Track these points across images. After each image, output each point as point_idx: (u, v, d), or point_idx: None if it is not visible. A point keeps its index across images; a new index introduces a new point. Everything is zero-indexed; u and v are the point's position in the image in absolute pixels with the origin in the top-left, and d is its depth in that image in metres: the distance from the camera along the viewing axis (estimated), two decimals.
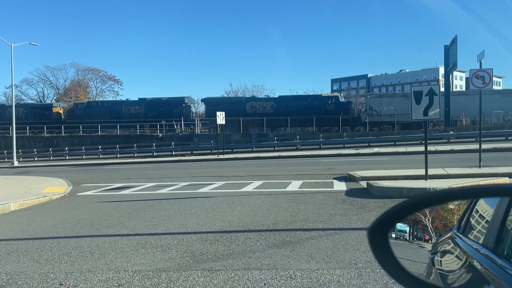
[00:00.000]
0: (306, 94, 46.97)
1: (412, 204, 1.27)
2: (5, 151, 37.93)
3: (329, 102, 40.69)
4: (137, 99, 46.68)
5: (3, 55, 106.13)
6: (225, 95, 59.12)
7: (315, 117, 38.47)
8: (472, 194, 1.43)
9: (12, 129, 33.51)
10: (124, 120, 43.03)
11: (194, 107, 50.55)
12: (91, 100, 55.05)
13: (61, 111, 47.36)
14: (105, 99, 60.28)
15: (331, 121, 39.04)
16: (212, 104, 42.60)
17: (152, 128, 40.77)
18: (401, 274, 1.22)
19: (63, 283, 4.38)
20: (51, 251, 5.79)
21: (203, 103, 45.72)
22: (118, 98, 56.79)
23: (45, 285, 4.37)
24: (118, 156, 36.33)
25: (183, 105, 43.75)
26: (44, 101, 66.74)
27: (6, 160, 36.21)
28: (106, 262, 5.12)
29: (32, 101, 66.85)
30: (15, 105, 35.65)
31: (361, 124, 39.93)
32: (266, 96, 46.30)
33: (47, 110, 46.94)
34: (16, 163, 31.81)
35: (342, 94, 44.84)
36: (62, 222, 8.10)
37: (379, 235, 1.21)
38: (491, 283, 1.25)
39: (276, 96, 44.79)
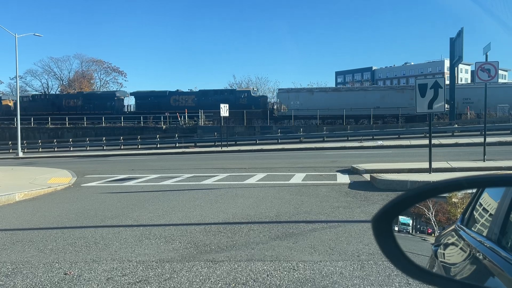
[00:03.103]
0: (222, 88, 48.43)
1: (417, 194, 1.26)
2: (10, 142, 38.17)
3: (242, 96, 42.64)
4: (76, 93, 50.04)
5: (7, 46, 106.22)
6: (229, 87, 59.16)
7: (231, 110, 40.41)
8: (478, 184, 1.41)
9: (16, 120, 33.66)
10: (63, 113, 45.06)
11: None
12: (36, 93, 57.21)
13: (10, 104, 49.57)
14: (59, 93, 63.00)
15: (247, 115, 40.66)
16: (140, 98, 45.92)
17: (89, 121, 43.34)
18: (404, 263, 1.22)
19: (68, 273, 4.42)
20: (56, 241, 5.84)
21: (133, 96, 48.19)
22: (122, 90, 57.92)
23: (50, 274, 4.41)
24: (122, 147, 36.45)
25: (115, 98, 46.48)
26: (49, 92, 66.98)
27: (11, 151, 36.43)
28: (110, 253, 5.16)
29: (37, 92, 67.07)
30: None
31: (272, 118, 41.53)
32: (189, 90, 47.89)
33: None
34: (20, 154, 31.99)
35: (255, 89, 46.96)
36: (66, 213, 8.16)
37: (384, 223, 1.21)
38: (495, 275, 1.25)
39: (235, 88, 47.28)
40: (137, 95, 46.80)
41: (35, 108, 45.82)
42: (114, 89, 50.20)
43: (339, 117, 38.63)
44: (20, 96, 52.25)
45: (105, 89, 64.33)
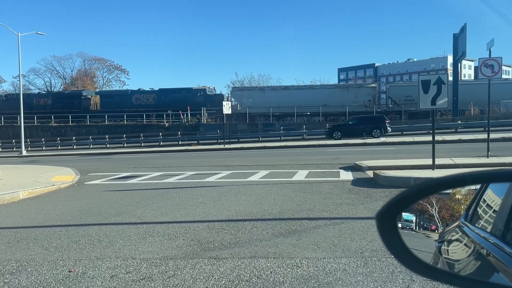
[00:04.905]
0: (180, 87, 49.06)
1: (420, 190, 1.26)
2: (13, 141, 38.32)
3: (198, 94, 44.21)
4: (45, 92, 53.33)
5: (10, 45, 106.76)
6: (231, 85, 59.26)
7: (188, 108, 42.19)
8: (481, 179, 1.41)
9: (20, 118, 33.77)
10: (34, 111, 46.45)
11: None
12: (8, 93, 58.99)
13: None
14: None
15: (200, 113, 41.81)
16: (105, 97, 48.43)
17: (57, 119, 45.02)
18: (409, 259, 1.22)
19: (72, 270, 4.44)
20: (60, 239, 5.87)
21: (98, 95, 50.36)
22: (124, 88, 58.77)
23: (54, 272, 4.43)
24: (125, 145, 36.54)
25: (82, 97, 48.67)
26: (51, 91, 67.25)
27: (14, 149, 36.60)
28: (114, 250, 5.17)
29: (39, 91, 67.34)
30: None
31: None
32: (150, 89, 49.28)
33: None
34: (24, 152, 32.11)
35: (211, 87, 48.11)
36: (70, 211, 8.19)
37: (388, 219, 1.21)
38: (499, 270, 1.25)
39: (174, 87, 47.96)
40: (102, 94, 49.65)
41: (8, 107, 47.25)
42: (81, 89, 53.76)
43: (291, 114, 40.86)
44: None
45: (107, 88, 64.63)
